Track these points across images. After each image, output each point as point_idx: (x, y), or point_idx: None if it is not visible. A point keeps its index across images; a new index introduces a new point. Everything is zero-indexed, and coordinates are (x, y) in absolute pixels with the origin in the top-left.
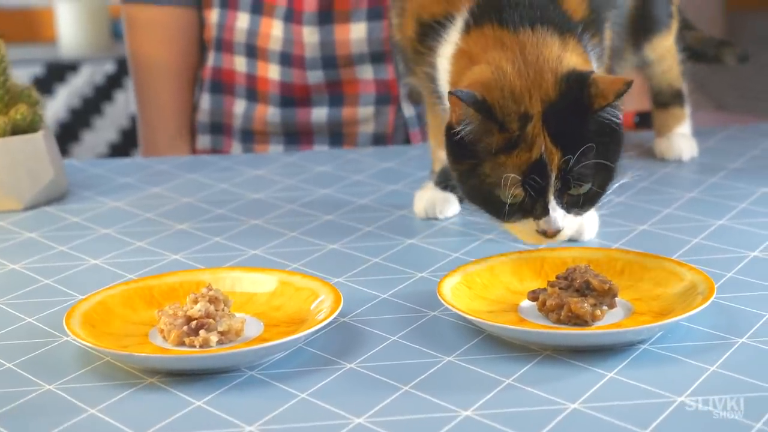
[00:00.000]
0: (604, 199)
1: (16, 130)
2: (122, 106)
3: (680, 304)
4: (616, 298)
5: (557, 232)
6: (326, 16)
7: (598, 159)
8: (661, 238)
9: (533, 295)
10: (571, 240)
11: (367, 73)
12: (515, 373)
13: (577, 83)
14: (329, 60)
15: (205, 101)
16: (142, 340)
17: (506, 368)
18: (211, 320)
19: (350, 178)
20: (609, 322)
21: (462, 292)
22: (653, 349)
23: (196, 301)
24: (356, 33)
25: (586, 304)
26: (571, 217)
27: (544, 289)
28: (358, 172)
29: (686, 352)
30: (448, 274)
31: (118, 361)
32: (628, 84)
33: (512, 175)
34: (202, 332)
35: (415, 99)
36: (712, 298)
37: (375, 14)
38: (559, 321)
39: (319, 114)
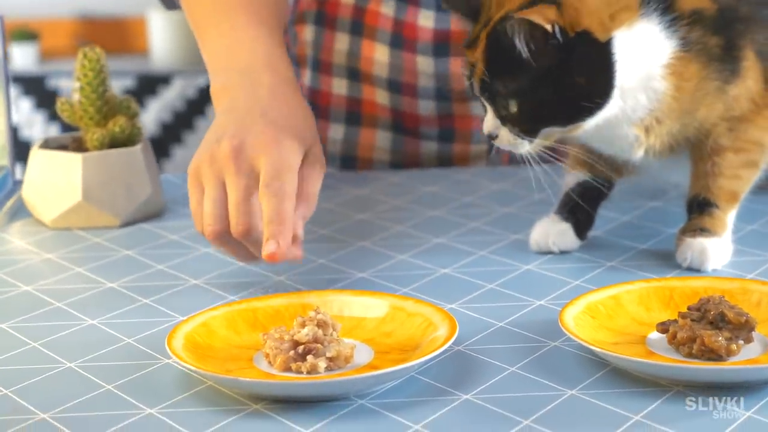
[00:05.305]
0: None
1: (114, 143)
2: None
3: None
4: (753, 332)
5: (488, 134)
6: (442, 49)
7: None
8: None
9: (663, 327)
10: (692, 269)
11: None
12: (644, 410)
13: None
14: (443, 92)
15: None
16: (246, 365)
17: (634, 404)
18: (319, 345)
19: (460, 199)
20: (745, 358)
21: (585, 322)
22: None
23: (303, 325)
24: None
25: (720, 338)
26: (506, 130)
27: (675, 321)
28: (469, 194)
29: None
30: (569, 303)
31: (221, 385)
32: None
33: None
34: (309, 358)
35: None
36: None
37: None
38: (690, 355)
39: (429, 147)
